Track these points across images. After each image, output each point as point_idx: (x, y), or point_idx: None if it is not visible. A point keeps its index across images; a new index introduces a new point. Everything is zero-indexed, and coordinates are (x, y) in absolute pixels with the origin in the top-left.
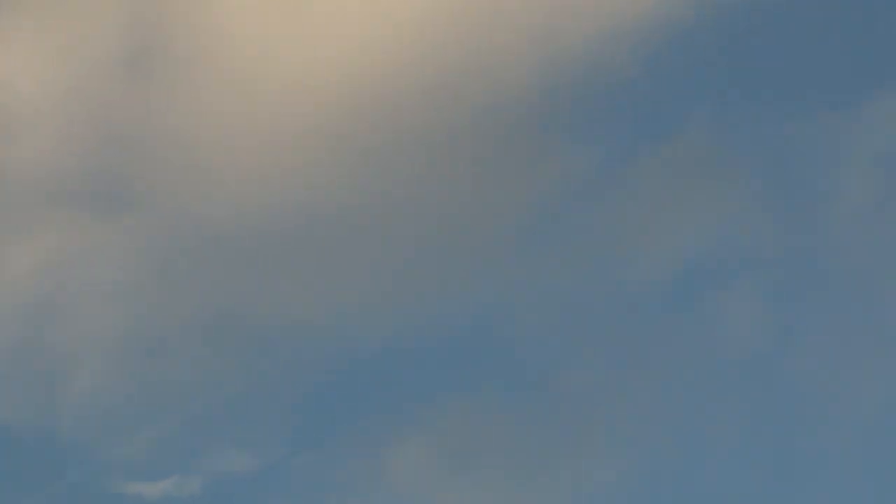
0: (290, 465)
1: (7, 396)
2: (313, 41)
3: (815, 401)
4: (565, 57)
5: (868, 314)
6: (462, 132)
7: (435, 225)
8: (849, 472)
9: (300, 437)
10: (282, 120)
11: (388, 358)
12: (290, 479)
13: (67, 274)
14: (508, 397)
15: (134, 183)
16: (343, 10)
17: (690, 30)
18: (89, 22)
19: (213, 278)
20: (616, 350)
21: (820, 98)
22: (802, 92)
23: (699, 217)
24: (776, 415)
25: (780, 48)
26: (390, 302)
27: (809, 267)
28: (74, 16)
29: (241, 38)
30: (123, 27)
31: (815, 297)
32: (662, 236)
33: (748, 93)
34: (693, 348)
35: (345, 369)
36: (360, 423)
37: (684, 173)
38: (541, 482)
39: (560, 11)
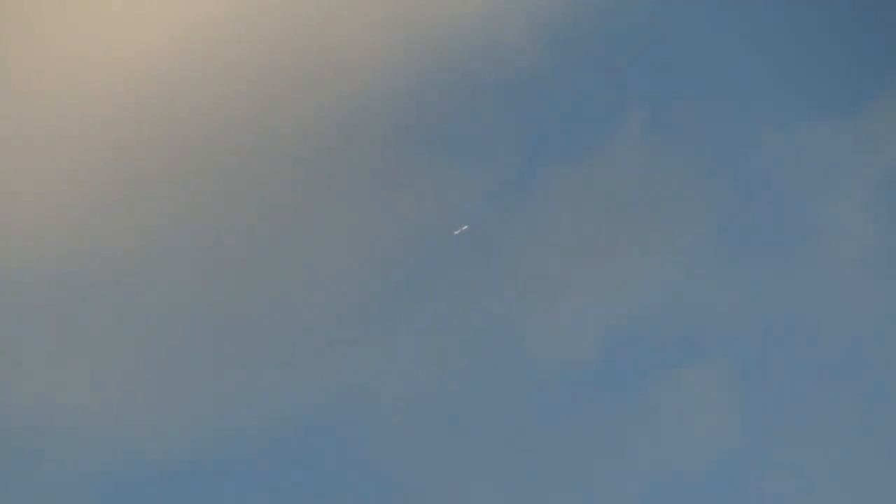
0: None
1: None
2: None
3: None
4: (440, 49)
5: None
6: (289, 151)
7: (241, 290)
8: None
9: None
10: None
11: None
12: None
13: None
14: None
15: None
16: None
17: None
18: None
19: None
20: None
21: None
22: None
23: (630, 269)
24: None
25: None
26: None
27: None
28: None
29: None
30: None
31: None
32: (576, 299)
33: (687, 93)
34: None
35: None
36: None
37: (605, 206)
38: None
39: None
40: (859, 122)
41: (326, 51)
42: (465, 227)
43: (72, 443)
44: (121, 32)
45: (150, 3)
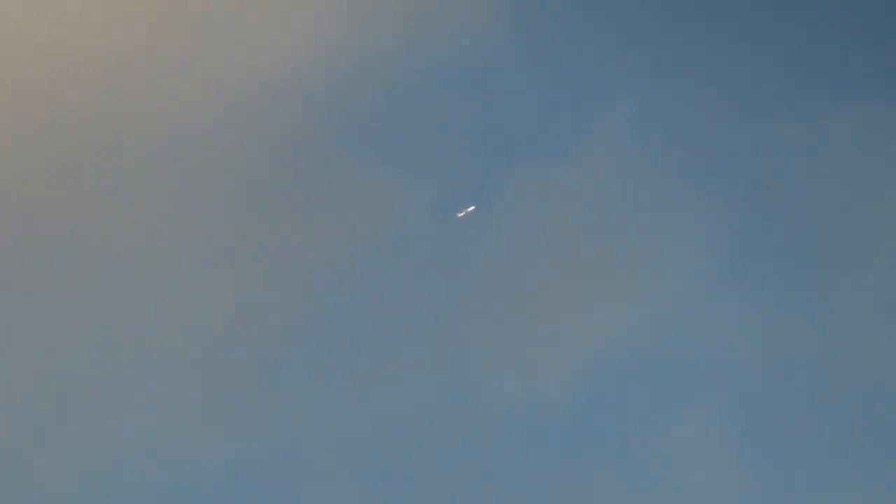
0: None
1: None
2: None
3: None
4: (372, 26)
5: None
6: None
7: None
8: None
9: None
10: None
11: None
12: None
13: None
14: None
15: None
16: None
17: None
18: None
19: None
20: None
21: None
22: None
23: (612, 296)
24: None
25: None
26: None
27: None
28: None
29: None
30: None
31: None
32: (548, 331)
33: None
34: None
35: None
36: None
37: (581, 221)
38: None
39: None
40: (888, 116)
41: (222, 35)
42: (472, 207)
43: None
44: None
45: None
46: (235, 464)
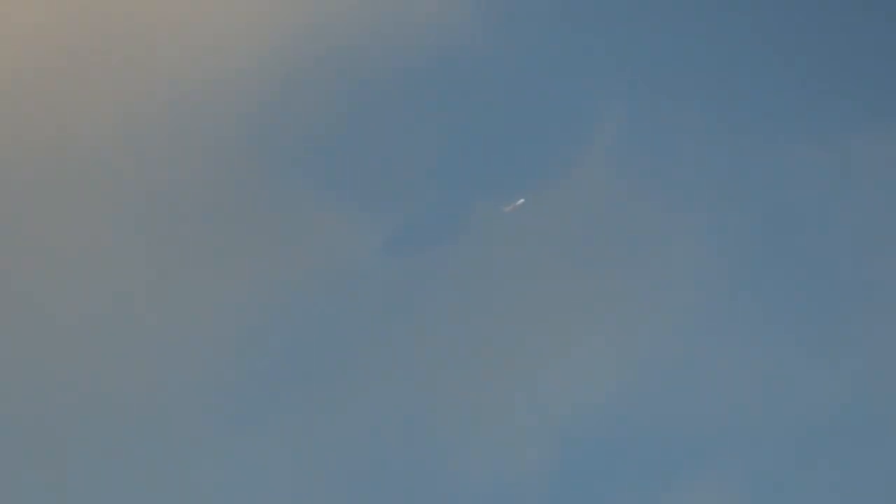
0: None
1: None
2: None
3: None
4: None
5: None
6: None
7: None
8: None
9: None
10: None
11: None
12: None
13: None
14: None
15: None
16: None
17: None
18: None
19: None
20: None
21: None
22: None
23: (600, 345)
24: None
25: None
26: None
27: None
28: None
29: None
30: None
31: None
32: (524, 389)
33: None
34: None
35: None
36: None
37: (562, 255)
38: None
39: None
40: None
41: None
42: (521, 201)
43: None
44: None
45: None
46: None
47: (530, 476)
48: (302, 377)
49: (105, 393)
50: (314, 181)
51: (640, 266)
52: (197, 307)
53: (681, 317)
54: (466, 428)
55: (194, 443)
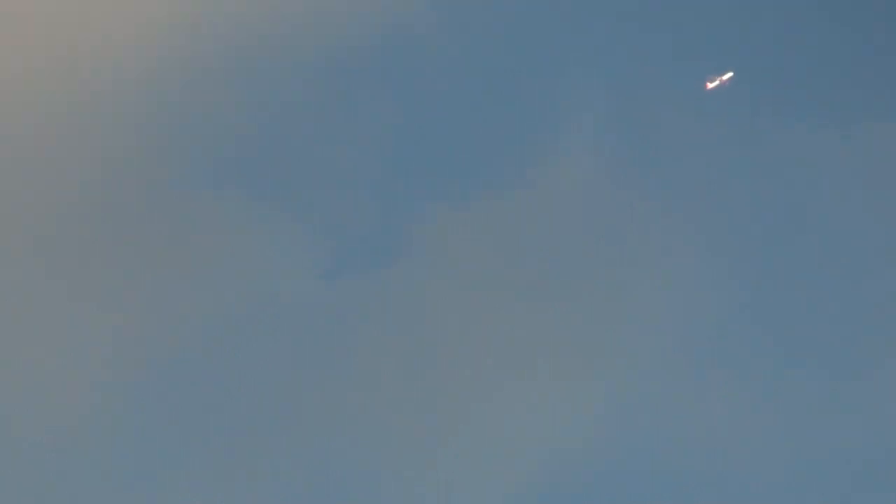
0: None
1: None
2: None
3: None
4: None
5: None
6: None
7: None
8: None
9: None
10: None
11: None
12: None
13: None
14: None
15: None
16: None
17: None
18: None
19: None
20: None
21: None
22: None
23: (555, 385)
24: None
25: None
26: None
27: None
28: None
29: None
30: None
31: None
32: (468, 435)
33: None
34: None
35: None
36: None
37: (512, 286)
38: None
39: None
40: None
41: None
42: (730, 74)
43: None
44: None
45: None
46: None
47: None
48: (237, 405)
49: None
50: (252, 201)
51: (616, 284)
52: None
53: (658, 341)
54: (416, 467)
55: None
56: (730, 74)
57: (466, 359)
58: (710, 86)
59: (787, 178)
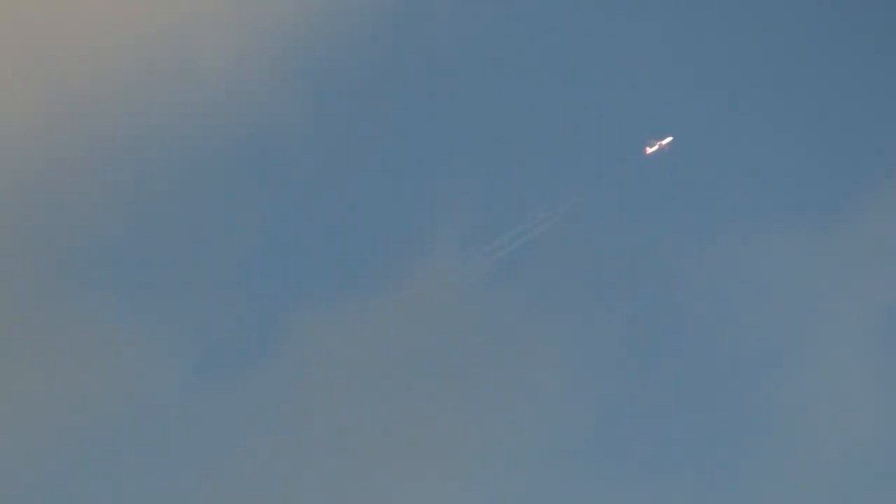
0: None
1: None
2: None
3: None
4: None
5: None
6: None
7: None
8: None
9: None
10: None
11: None
12: None
13: None
14: None
15: None
16: None
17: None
18: None
19: None
20: None
21: None
22: None
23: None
24: None
25: None
26: None
27: None
28: None
29: None
30: None
31: None
32: None
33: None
34: None
35: None
36: None
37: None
38: None
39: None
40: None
41: None
42: (669, 139)
43: None
44: None
45: None
46: None
47: None
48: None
49: None
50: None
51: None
52: None
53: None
54: None
55: None
56: (669, 139)
57: (332, 457)
58: (650, 150)
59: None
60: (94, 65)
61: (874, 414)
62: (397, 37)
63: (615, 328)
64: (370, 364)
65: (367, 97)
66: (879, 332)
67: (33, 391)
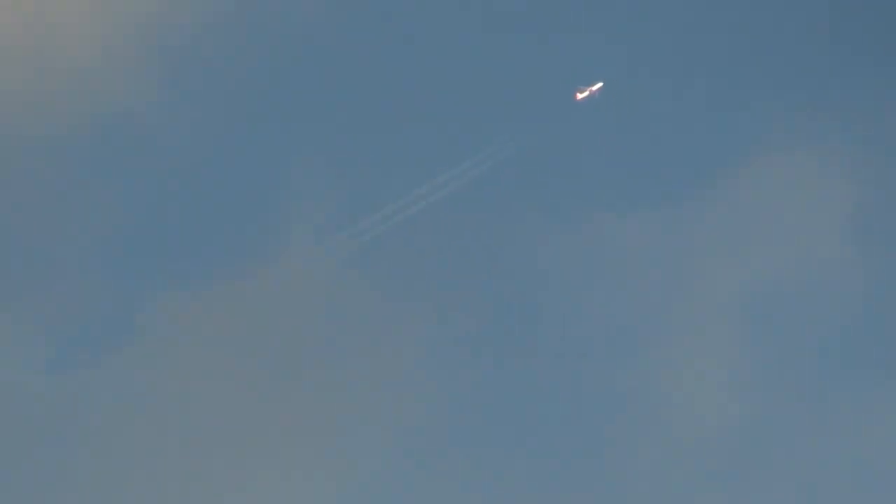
0: None
1: None
2: None
3: None
4: None
5: None
6: None
7: None
8: None
9: None
10: None
11: None
12: None
13: None
14: None
15: None
16: None
17: None
18: None
19: None
20: None
21: None
22: None
23: None
24: None
25: None
26: None
27: None
28: None
29: None
30: None
31: None
32: None
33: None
34: None
35: None
36: None
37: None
38: None
39: None
40: None
41: None
42: (599, 84)
43: None
44: None
45: None
46: None
47: None
48: None
49: None
50: None
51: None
52: None
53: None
54: None
55: None
56: (599, 85)
57: (195, 445)
58: (581, 96)
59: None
60: None
61: (733, 401)
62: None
63: (474, 317)
64: (225, 352)
65: (224, 71)
66: (737, 318)
67: None
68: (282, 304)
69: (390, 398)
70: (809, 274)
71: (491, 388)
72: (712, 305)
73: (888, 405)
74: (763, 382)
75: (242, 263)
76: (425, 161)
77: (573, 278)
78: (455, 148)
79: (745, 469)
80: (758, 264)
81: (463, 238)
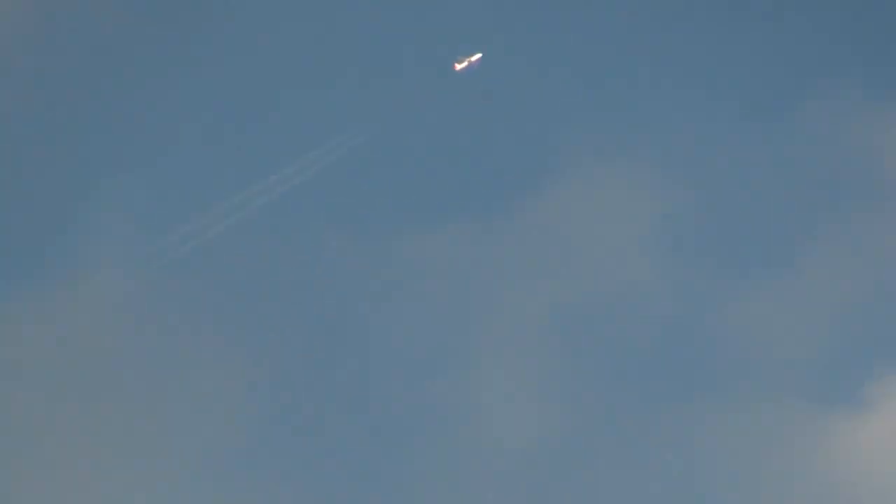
0: None
1: None
2: None
3: None
4: None
5: None
6: None
7: None
8: None
9: None
10: None
11: None
12: None
13: None
14: None
15: None
16: None
17: None
18: None
19: None
20: None
21: None
22: None
23: None
24: None
25: None
26: None
27: None
28: None
29: None
30: None
31: None
32: None
33: None
34: None
35: None
36: None
37: None
38: None
39: None
40: None
41: None
42: (478, 55)
43: None
44: None
45: None
46: None
47: None
48: None
49: None
50: None
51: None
52: None
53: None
54: None
55: None
56: (478, 56)
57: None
58: (459, 67)
59: None
60: None
61: (533, 415)
62: None
63: (280, 333)
64: (28, 364)
65: (27, 79)
66: (545, 333)
67: None
68: (78, 320)
69: (189, 416)
70: (618, 288)
71: (293, 405)
72: (518, 321)
73: (689, 421)
74: (564, 398)
75: (42, 278)
76: (248, 165)
77: (380, 292)
78: (282, 150)
79: (541, 482)
80: (566, 278)
81: (273, 253)
